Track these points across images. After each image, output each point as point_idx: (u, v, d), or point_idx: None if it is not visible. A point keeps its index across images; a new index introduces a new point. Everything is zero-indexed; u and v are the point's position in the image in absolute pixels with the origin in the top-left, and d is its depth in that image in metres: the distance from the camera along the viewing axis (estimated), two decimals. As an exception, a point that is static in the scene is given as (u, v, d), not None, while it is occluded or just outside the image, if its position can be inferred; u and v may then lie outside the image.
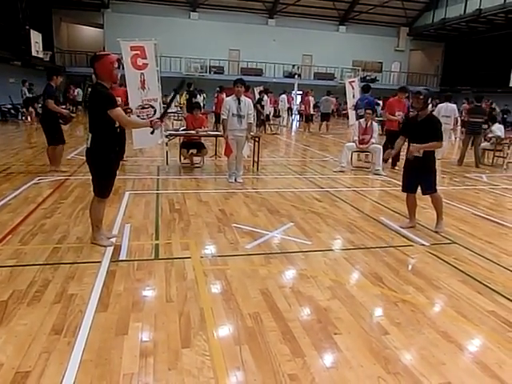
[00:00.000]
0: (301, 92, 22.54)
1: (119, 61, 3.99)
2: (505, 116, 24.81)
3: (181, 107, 18.29)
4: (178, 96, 19.60)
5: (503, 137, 10.79)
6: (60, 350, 2.49)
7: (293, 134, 18.80)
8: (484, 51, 28.22)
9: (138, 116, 7.79)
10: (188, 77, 25.35)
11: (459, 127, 14.87)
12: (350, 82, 13.41)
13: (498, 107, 21.94)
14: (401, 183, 5.32)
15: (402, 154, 7.73)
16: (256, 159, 8.69)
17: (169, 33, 26.03)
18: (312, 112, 18.75)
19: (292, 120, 22.31)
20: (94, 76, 4.03)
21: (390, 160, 9.39)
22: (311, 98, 18.55)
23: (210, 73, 28.36)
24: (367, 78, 29.85)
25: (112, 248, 4.09)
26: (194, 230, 4.79)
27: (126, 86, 7.98)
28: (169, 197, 6.23)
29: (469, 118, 10.68)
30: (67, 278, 3.44)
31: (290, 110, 22.57)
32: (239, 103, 7.12)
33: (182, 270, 3.70)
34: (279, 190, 6.96)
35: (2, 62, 18.27)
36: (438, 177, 5.11)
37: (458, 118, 13.91)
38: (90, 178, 4.10)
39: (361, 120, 9.25)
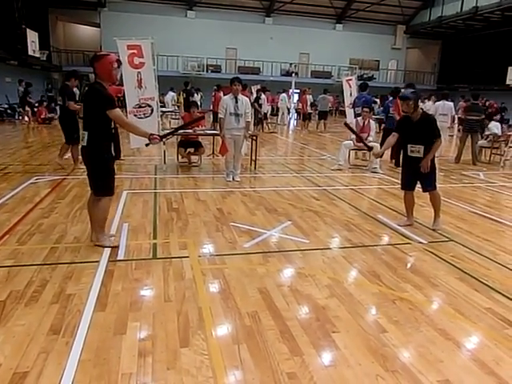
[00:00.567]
0: (298, 90, 22.52)
1: (119, 61, 3.97)
2: (502, 114, 24.86)
3: (178, 106, 18.27)
4: (174, 94, 19.59)
5: (500, 134, 10.82)
6: (58, 350, 2.49)
7: (290, 132, 18.80)
8: (481, 49, 28.25)
9: (135, 115, 7.78)
10: (185, 75, 25.38)
11: (456, 125, 14.91)
12: (347, 81, 13.41)
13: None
14: (398, 181, 5.33)
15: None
16: (254, 158, 8.69)
17: (166, 31, 25.96)
18: (310, 110, 18.74)
19: (290, 118, 22.29)
20: (92, 75, 4.02)
21: (394, 160, 9.41)
22: (309, 97, 18.54)
23: (207, 71, 28.32)
24: (364, 76, 29.86)
25: (110, 247, 4.09)
26: (192, 229, 4.79)
27: (120, 85, 7.95)
28: (167, 196, 6.22)
29: (466, 116, 10.71)
30: (65, 277, 3.44)
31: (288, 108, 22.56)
32: (236, 102, 7.10)
33: (180, 269, 3.70)
34: (277, 189, 6.96)
35: (-1, 61, 18.26)
36: (436, 174, 5.11)
37: (455, 116, 13.94)
38: (88, 177, 4.08)
39: (358, 118, 9.26)
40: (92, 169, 3.98)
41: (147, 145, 4.10)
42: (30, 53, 18.60)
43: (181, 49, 27.24)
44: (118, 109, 3.84)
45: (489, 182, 8.27)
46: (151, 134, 4.01)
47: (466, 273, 3.86)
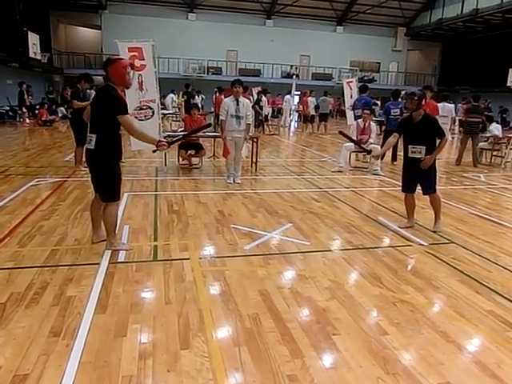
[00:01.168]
0: (299, 92, 22.55)
1: (132, 65, 3.97)
2: (504, 115, 24.87)
3: (179, 108, 18.29)
4: (174, 97, 19.61)
5: (501, 136, 10.81)
6: (58, 353, 2.49)
7: (291, 134, 18.80)
8: (481, 51, 28.28)
9: (136, 117, 7.78)
10: (186, 78, 25.41)
11: (457, 127, 14.91)
12: (348, 83, 13.44)
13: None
14: (398, 183, 5.32)
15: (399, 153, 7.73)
16: (254, 160, 8.70)
17: (167, 34, 26.00)
18: (313, 113, 18.71)
19: (291, 120, 22.31)
20: (98, 78, 4.03)
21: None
22: (313, 99, 18.55)
23: (207, 74, 28.35)
24: (365, 78, 29.91)
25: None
26: (193, 231, 4.79)
27: None
28: (167, 198, 6.22)
29: (466, 118, 10.70)
30: (65, 280, 3.43)
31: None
32: (238, 104, 7.12)
33: (181, 271, 3.70)
34: (278, 191, 6.96)
35: (0, 63, 18.25)
36: (436, 177, 5.11)
37: (456, 118, 13.92)
38: (92, 180, 4.06)
39: (359, 120, 9.27)
40: (98, 173, 3.94)
41: (154, 151, 4.10)
42: (32, 55, 18.65)
43: (182, 51, 27.30)
44: (129, 115, 3.81)
45: (490, 184, 8.26)
46: (159, 141, 4.00)
47: (466, 275, 3.85)
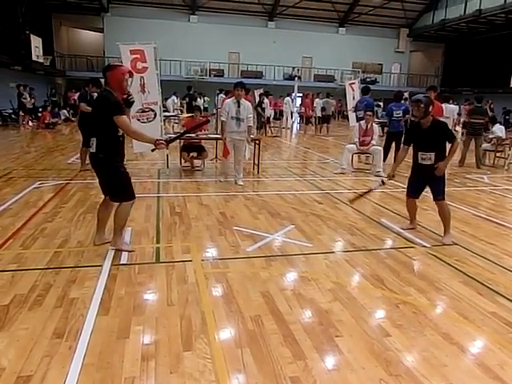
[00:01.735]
0: (301, 94, 22.54)
1: (131, 72, 4.02)
2: (507, 117, 24.81)
3: (181, 110, 18.32)
4: (175, 98, 19.64)
5: (504, 137, 10.79)
6: (62, 354, 2.49)
7: (293, 136, 18.81)
8: (484, 52, 28.18)
9: (138, 120, 7.80)
10: (188, 80, 25.46)
11: (460, 128, 14.86)
12: (350, 84, 13.41)
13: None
14: (402, 184, 5.30)
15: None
16: (257, 162, 8.70)
17: (168, 36, 26.05)
18: (319, 114, 18.68)
19: (292, 122, 22.30)
20: (103, 80, 4.06)
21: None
22: (320, 101, 18.53)
23: (209, 76, 28.37)
24: (367, 79, 29.88)
25: (113, 251, 4.09)
26: (195, 233, 4.80)
27: None
28: (169, 200, 6.23)
29: (469, 119, 10.68)
30: (68, 281, 3.44)
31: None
32: (239, 106, 7.17)
33: (183, 273, 3.70)
34: (280, 193, 6.96)
35: (3, 66, 18.33)
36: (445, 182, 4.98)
37: (460, 119, 13.88)
38: (100, 183, 4.08)
39: (361, 122, 9.26)
40: (105, 176, 3.98)
41: (153, 150, 4.11)
42: (34, 58, 18.73)
43: (183, 53, 27.35)
44: (125, 116, 3.84)
45: (493, 186, 8.24)
46: (157, 140, 4.00)
47: (469, 276, 3.84)
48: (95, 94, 8.88)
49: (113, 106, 3.78)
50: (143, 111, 7.90)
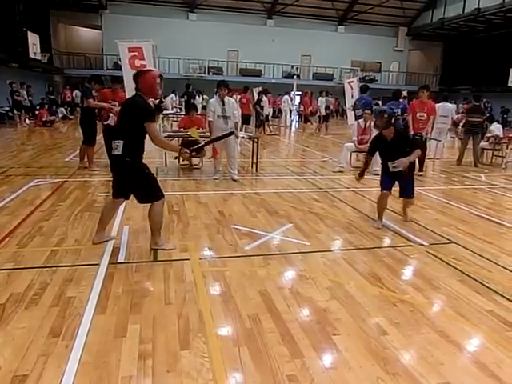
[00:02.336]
0: (300, 92, 22.54)
1: (161, 76, 4.04)
2: (505, 116, 24.83)
3: (180, 108, 18.30)
4: (174, 97, 19.60)
5: (502, 136, 10.80)
6: (58, 353, 2.49)
7: (292, 134, 18.80)
8: (483, 51, 28.21)
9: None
10: (186, 78, 25.42)
11: (460, 127, 14.87)
12: (349, 83, 13.42)
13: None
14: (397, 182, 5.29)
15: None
16: (255, 160, 8.69)
17: (167, 34, 26.02)
18: (324, 113, 18.64)
19: (291, 120, 22.31)
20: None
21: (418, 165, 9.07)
22: (323, 99, 18.51)
23: (208, 74, 28.34)
24: (366, 78, 29.89)
25: (111, 250, 4.08)
26: (193, 232, 4.79)
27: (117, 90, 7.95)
28: (168, 198, 6.15)
29: (467, 118, 10.69)
30: (65, 280, 3.43)
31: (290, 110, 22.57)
32: (223, 104, 7.33)
33: (181, 271, 3.70)
34: (278, 191, 6.96)
35: (0, 64, 18.26)
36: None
37: (459, 117, 13.87)
38: (118, 185, 4.07)
39: (360, 120, 9.25)
40: (132, 179, 3.94)
41: (176, 158, 4.15)
42: (32, 55, 18.65)
43: (182, 51, 27.33)
44: (155, 124, 3.87)
45: (490, 184, 8.25)
46: (181, 149, 4.08)
47: (467, 275, 3.84)
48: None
49: (146, 113, 3.79)
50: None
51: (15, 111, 17.71)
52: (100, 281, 3.44)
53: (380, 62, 33.11)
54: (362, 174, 5.46)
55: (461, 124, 13.79)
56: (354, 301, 3.27)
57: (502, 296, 3.43)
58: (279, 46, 29.86)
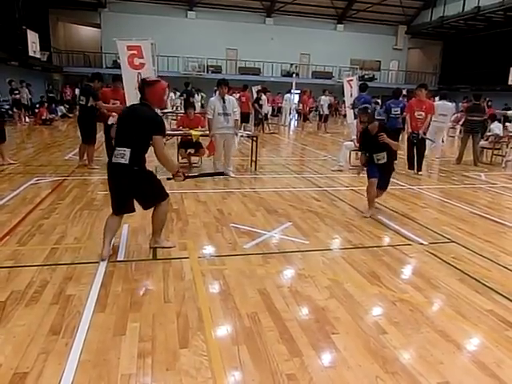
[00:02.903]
0: (298, 91, 22.51)
1: (169, 87, 4.04)
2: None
3: (177, 107, 18.28)
4: (173, 95, 19.59)
5: (502, 135, 10.80)
6: (58, 351, 2.49)
7: (291, 133, 18.79)
8: (483, 49, 28.17)
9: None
10: (185, 76, 25.39)
11: (459, 126, 14.88)
12: (348, 81, 13.37)
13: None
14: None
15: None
16: (254, 159, 8.69)
17: (166, 32, 25.98)
18: (327, 112, 18.61)
19: (290, 119, 22.29)
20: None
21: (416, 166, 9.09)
22: (326, 98, 18.51)
23: (207, 72, 28.30)
24: (365, 76, 29.85)
25: (110, 248, 4.07)
26: (192, 230, 4.79)
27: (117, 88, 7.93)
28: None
29: (467, 117, 10.69)
30: (65, 278, 3.44)
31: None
32: (224, 102, 7.48)
33: (180, 270, 3.70)
34: (277, 190, 6.96)
35: (-1, 62, 18.26)
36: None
37: (458, 116, 13.87)
38: (137, 195, 3.94)
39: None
40: (139, 187, 3.86)
41: (169, 179, 4.13)
42: (31, 54, 18.60)
43: (181, 49, 27.27)
44: (162, 137, 3.83)
45: (490, 183, 8.26)
46: (178, 171, 4.03)
47: (466, 274, 3.85)
48: None
49: (157, 126, 3.75)
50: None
51: (15, 109, 17.66)
52: (100, 279, 3.44)
53: (379, 61, 33.06)
54: (364, 165, 5.83)
55: (460, 123, 13.81)
56: (352, 299, 3.27)
57: (501, 295, 3.44)
58: (278, 44, 29.82)
